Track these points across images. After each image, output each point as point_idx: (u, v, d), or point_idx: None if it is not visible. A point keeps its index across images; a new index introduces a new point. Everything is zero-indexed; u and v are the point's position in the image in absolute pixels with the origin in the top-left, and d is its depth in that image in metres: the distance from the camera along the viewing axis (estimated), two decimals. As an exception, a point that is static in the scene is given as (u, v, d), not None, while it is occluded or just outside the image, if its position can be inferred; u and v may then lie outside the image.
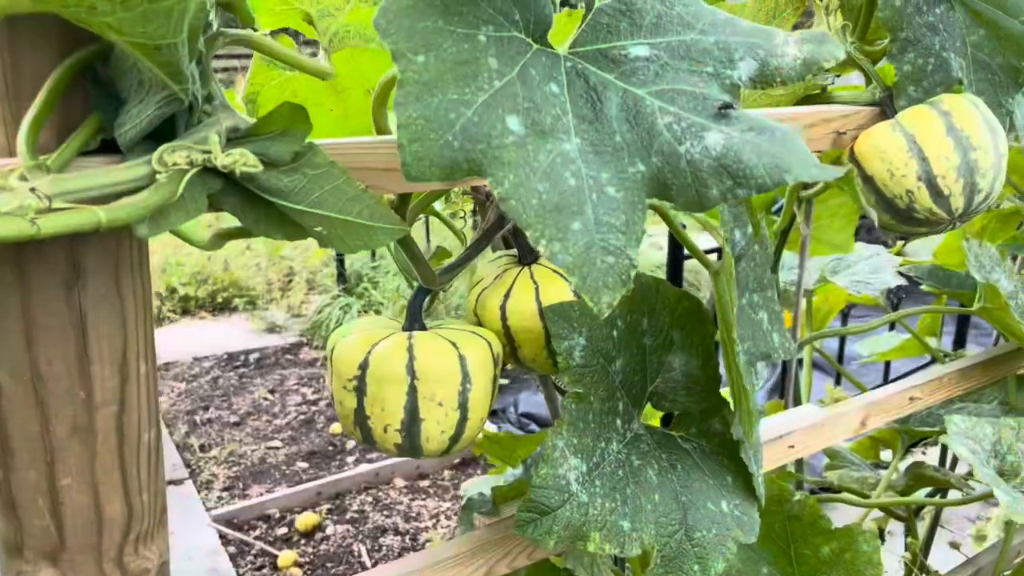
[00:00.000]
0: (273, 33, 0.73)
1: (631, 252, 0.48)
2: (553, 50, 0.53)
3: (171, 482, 3.18)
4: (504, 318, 0.77)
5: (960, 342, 2.94)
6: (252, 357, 4.49)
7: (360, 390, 0.70)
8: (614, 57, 0.53)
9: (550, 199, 0.47)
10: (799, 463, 1.34)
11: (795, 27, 0.92)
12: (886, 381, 3.36)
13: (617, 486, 0.71)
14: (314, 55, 0.71)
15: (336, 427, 3.66)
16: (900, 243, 1.87)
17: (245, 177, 0.52)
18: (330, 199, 0.54)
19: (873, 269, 1.50)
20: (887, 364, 3.42)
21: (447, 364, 0.69)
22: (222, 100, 0.55)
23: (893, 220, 0.88)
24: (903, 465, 1.43)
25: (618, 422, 0.75)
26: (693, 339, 0.81)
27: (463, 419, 0.71)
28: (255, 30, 0.73)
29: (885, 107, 0.93)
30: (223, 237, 0.62)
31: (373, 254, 4.86)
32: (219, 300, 5.22)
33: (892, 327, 2.47)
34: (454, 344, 0.70)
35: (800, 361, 1.46)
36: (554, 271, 0.78)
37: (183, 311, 5.15)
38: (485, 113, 0.47)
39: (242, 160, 0.48)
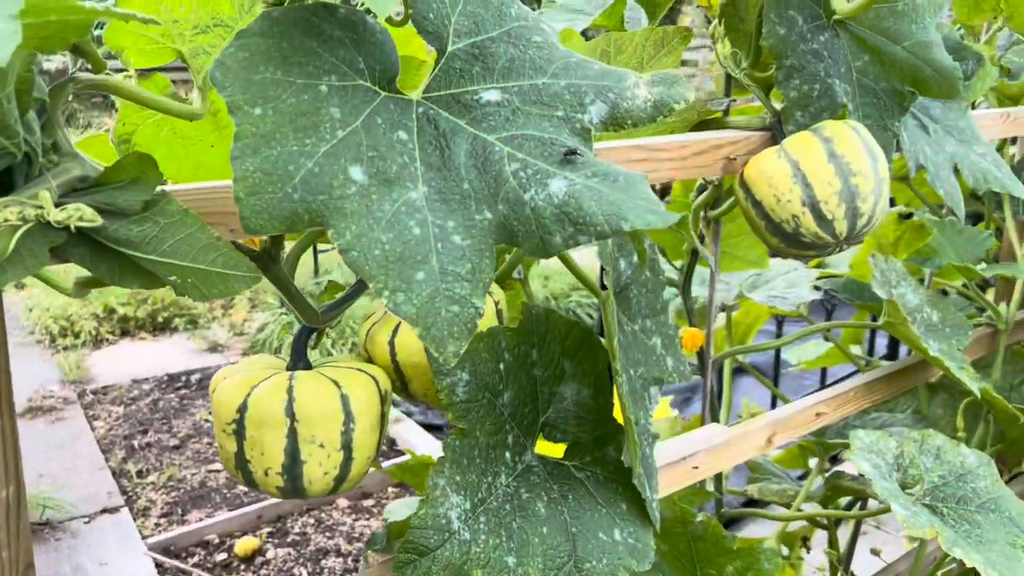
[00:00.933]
0: (149, 71, 0.72)
1: (476, 300, 0.48)
2: (404, 96, 0.52)
3: (105, 511, 3.11)
4: (393, 353, 0.77)
5: (894, 346, 3.01)
6: (193, 378, 4.41)
7: (239, 434, 0.69)
8: (466, 102, 0.53)
9: (393, 249, 0.47)
10: (718, 480, 1.35)
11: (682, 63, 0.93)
12: (823, 386, 3.42)
13: (503, 521, 0.71)
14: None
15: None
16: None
17: (92, 228, 0.51)
18: (184, 248, 0.53)
19: (790, 284, 1.52)
20: (824, 369, 3.49)
21: (328, 404, 0.68)
22: (70, 149, 0.54)
23: (783, 244, 0.90)
24: (818, 478, 1.45)
25: (507, 455, 0.75)
26: (584, 368, 0.81)
27: (348, 459, 0.70)
28: (125, 71, 0.71)
29: (776, 132, 0.94)
30: (85, 285, 0.61)
31: (316, 270, 4.81)
32: (159, 320, 5.11)
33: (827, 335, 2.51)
34: (336, 383, 0.70)
35: (721, 376, 1.48)
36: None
37: (122, 332, 5.03)
38: (327, 163, 0.47)
39: (77, 215, 0.47)
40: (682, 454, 0.98)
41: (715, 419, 1.31)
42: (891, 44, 0.95)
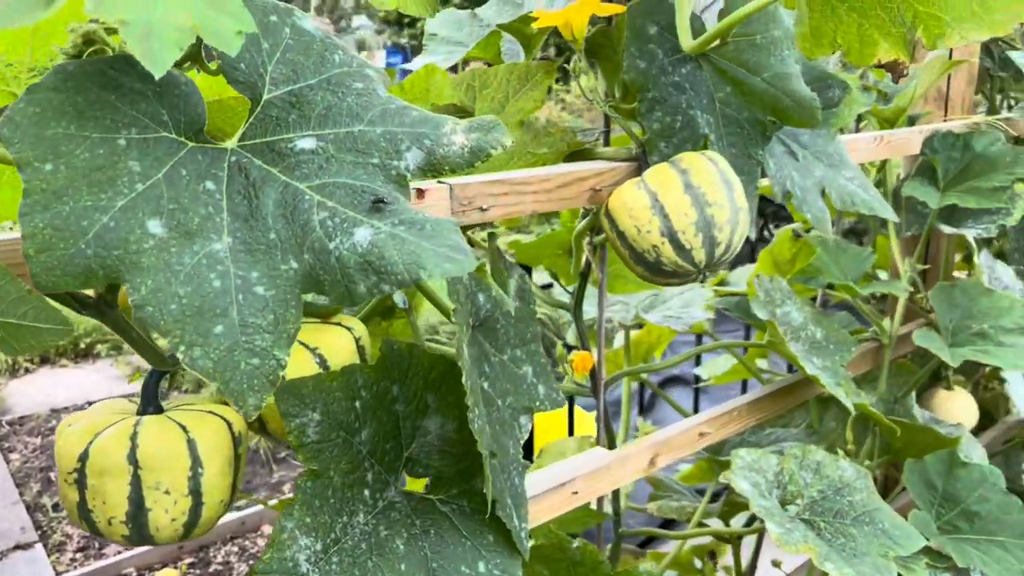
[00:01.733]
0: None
1: (279, 352, 0.48)
2: (216, 146, 0.52)
3: (19, 547, 3.00)
4: (250, 393, 0.76)
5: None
6: (116, 405, 4.28)
7: (81, 483, 0.67)
8: (280, 150, 0.53)
9: (191, 303, 0.47)
10: (616, 499, 1.37)
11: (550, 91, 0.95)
12: (746, 396, 3.48)
13: (358, 560, 0.71)
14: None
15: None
16: (723, 272, 1.95)
17: None
18: (-7, 301, 0.52)
19: (685, 304, 1.56)
20: (745, 381, 3.56)
21: (173, 449, 0.67)
22: None
23: (647, 272, 0.92)
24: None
25: (367, 493, 0.75)
26: (449, 401, 0.82)
27: (197, 504, 0.69)
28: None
29: (642, 162, 0.97)
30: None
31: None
32: (82, 346, 4.97)
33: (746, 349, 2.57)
34: (184, 427, 0.69)
35: (572, 406, 1.50)
36: (302, 344, 0.78)
37: (42, 359, 4.87)
38: (123, 218, 0.47)
39: None
40: (561, 480, 0.99)
41: (611, 439, 1.33)
42: (751, 76, 0.98)
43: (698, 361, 3.22)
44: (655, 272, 0.91)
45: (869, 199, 1.15)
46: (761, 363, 2.01)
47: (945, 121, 1.61)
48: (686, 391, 3.62)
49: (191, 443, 0.68)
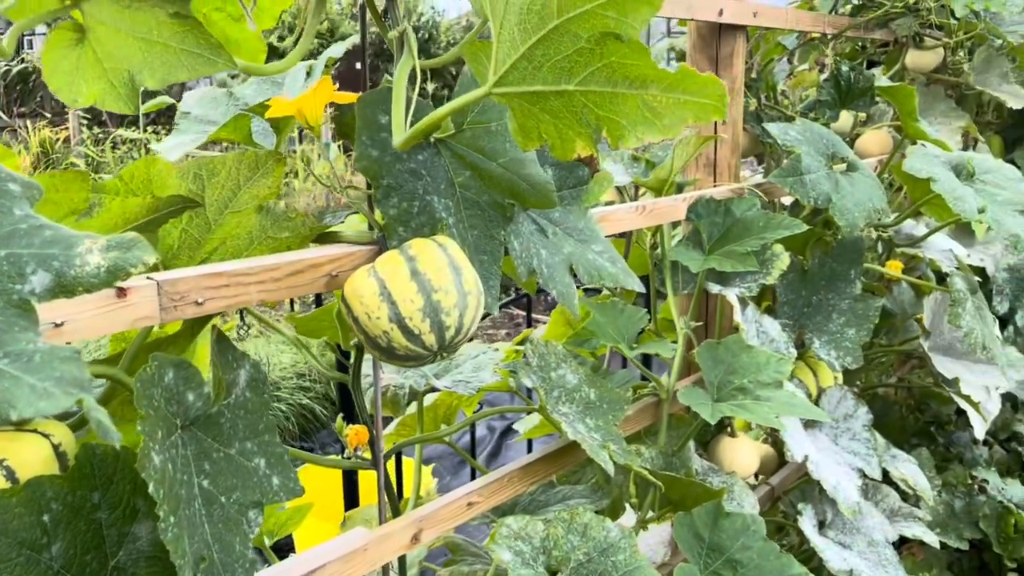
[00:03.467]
0: None
1: None
2: None
3: None
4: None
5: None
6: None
7: None
8: None
9: None
10: (402, 567, 1.36)
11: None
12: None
13: None
14: None
15: None
16: (528, 330, 2.00)
17: None
18: None
19: (477, 367, 1.58)
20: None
21: None
22: None
23: (383, 356, 0.93)
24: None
25: (60, 610, 0.71)
26: (163, 503, 0.79)
27: None
28: None
29: (383, 246, 0.98)
30: None
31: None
32: None
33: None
34: None
35: (400, 462, 1.50)
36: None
37: None
38: None
39: None
40: (311, 567, 0.98)
41: (395, 510, 1.32)
42: (488, 161, 1.03)
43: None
44: (390, 356, 0.93)
45: (616, 272, 1.21)
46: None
47: (714, 187, 1.73)
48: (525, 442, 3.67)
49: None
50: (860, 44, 2.76)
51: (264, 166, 0.91)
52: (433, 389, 1.55)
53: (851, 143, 2.51)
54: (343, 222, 1.04)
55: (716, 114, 0.76)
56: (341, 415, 1.36)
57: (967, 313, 1.75)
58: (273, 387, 4.06)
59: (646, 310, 1.57)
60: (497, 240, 1.05)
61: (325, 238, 1.02)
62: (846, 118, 2.52)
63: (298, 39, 0.90)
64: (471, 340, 1.23)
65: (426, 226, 0.98)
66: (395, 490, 2.43)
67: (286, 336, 1.33)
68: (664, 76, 0.74)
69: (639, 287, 1.25)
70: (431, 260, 0.91)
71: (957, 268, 1.94)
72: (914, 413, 2.88)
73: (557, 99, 0.78)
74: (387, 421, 1.70)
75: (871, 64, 2.89)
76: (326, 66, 1.04)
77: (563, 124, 0.81)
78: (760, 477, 2.22)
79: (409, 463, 2.96)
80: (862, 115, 2.45)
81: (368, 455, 1.27)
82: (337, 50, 1.06)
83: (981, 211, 1.64)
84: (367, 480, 2.44)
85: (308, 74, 1.11)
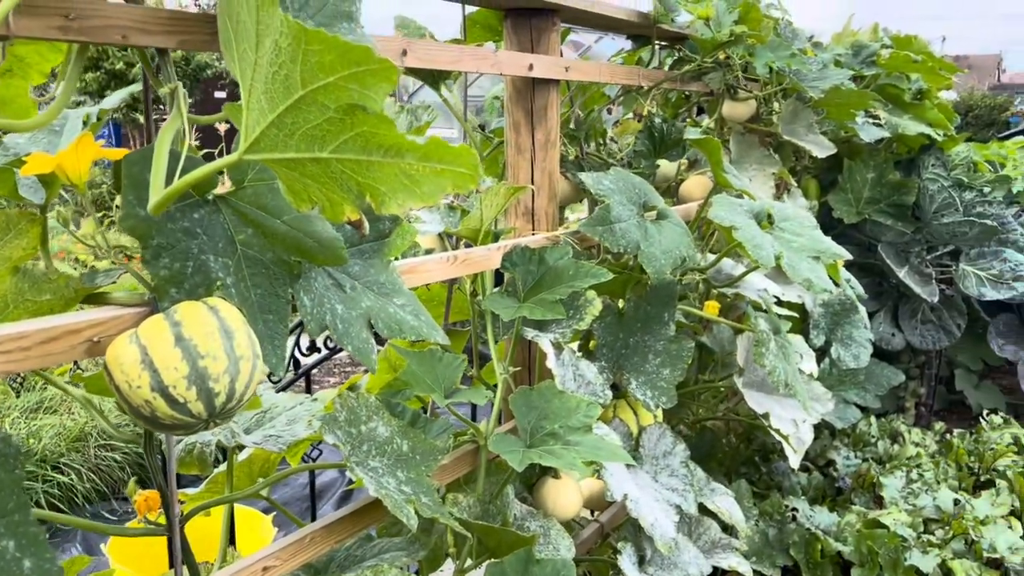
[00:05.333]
0: None
1: None
2: None
3: None
4: None
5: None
6: None
7: None
8: None
9: None
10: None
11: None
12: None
13: None
14: None
15: None
16: (355, 377, 1.97)
17: None
18: None
19: (291, 420, 1.54)
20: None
21: None
22: None
23: (148, 425, 0.89)
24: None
25: None
26: None
27: None
28: None
29: (154, 308, 0.94)
30: None
31: None
32: None
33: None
34: None
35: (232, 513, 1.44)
36: None
37: None
38: None
39: None
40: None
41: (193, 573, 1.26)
42: (271, 218, 1.01)
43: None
44: (154, 425, 0.89)
45: (418, 325, 1.21)
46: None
47: (533, 235, 1.77)
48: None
49: None
50: (685, 93, 2.91)
51: (16, 226, 0.86)
52: (242, 446, 1.50)
53: (676, 187, 2.64)
54: (115, 282, 1.00)
55: (471, 182, 0.78)
56: (135, 478, 1.29)
57: (770, 352, 1.86)
58: (80, 444, 3.80)
59: (465, 357, 1.58)
60: (283, 298, 1.03)
61: (94, 300, 0.97)
62: (673, 164, 2.66)
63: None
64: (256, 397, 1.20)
65: (201, 286, 0.95)
66: (230, 542, 2.33)
67: (73, 395, 1.25)
68: (417, 147, 0.75)
69: (443, 339, 1.26)
70: (198, 324, 0.88)
71: (760, 310, 2.06)
72: (743, 443, 3.03)
73: (314, 166, 0.78)
74: (198, 479, 1.63)
75: (700, 111, 3.06)
76: (98, 119, 1.00)
77: (326, 189, 0.81)
78: (596, 513, 2.27)
79: (244, 514, 2.85)
80: (683, 162, 2.58)
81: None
82: (112, 101, 1.02)
83: (778, 258, 1.75)
84: (197, 536, 2.32)
85: (84, 123, 1.06)
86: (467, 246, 1.72)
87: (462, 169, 0.77)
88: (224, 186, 0.97)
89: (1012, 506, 2.32)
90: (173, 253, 0.93)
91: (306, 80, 0.70)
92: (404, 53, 1.28)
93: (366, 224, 0.94)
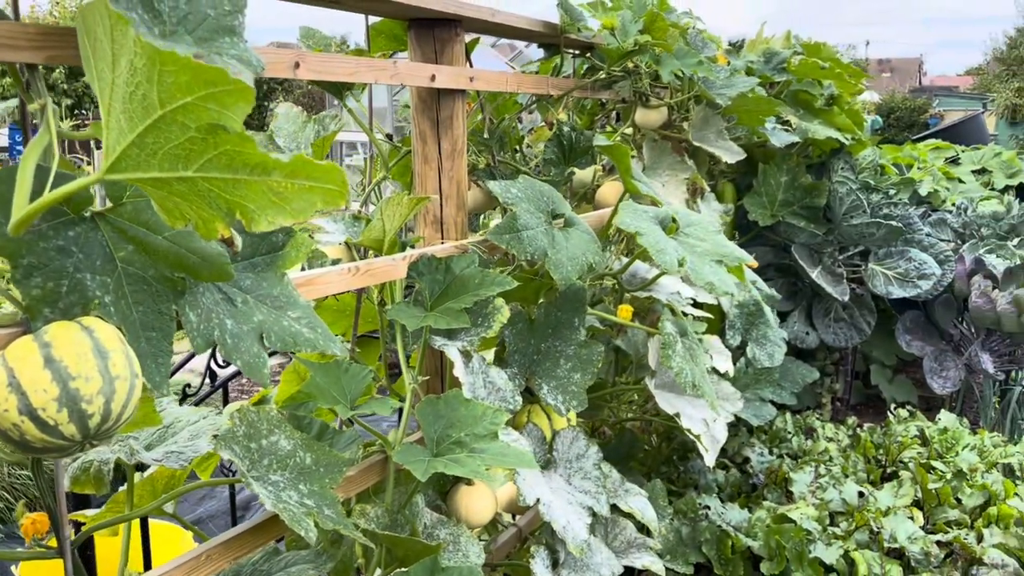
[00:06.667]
0: None
1: None
2: None
3: None
4: None
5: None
6: None
7: None
8: None
9: None
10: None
11: None
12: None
13: None
14: None
15: None
16: (265, 389, 1.95)
17: None
18: None
19: (193, 435, 1.52)
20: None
21: None
22: None
23: (19, 450, 0.87)
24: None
25: None
26: None
27: None
28: None
29: (28, 329, 0.92)
30: None
31: None
32: None
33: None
34: None
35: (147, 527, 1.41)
36: None
37: None
38: None
39: None
40: None
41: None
42: (152, 235, 0.99)
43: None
44: (27, 449, 0.87)
45: (314, 337, 1.21)
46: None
47: (442, 244, 1.78)
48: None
49: None
50: (601, 101, 2.96)
51: None
52: (141, 465, 1.48)
53: (594, 192, 2.68)
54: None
55: (340, 199, 0.78)
56: (23, 500, 1.25)
57: (677, 355, 1.90)
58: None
59: (371, 368, 1.58)
60: (167, 315, 1.02)
61: (-34, 321, 0.94)
62: (589, 169, 2.70)
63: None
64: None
65: (77, 305, 0.93)
66: (147, 560, 2.27)
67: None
68: (282, 164, 0.75)
69: (341, 351, 1.26)
70: (70, 345, 0.86)
71: (674, 312, 2.11)
72: (665, 442, 3.09)
73: (181, 184, 0.78)
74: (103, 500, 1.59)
75: (618, 117, 3.12)
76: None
77: (196, 207, 0.81)
78: (518, 517, 2.29)
79: (164, 530, 2.79)
80: (598, 168, 2.62)
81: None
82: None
83: (681, 262, 1.79)
84: (111, 555, 2.26)
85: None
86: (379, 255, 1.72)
87: (330, 186, 0.78)
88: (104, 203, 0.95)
89: (915, 497, 2.42)
90: (46, 272, 0.92)
91: (164, 100, 0.70)
92: (297, 65, 1.27)
93: (238, 241, 0.94)
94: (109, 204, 0.98)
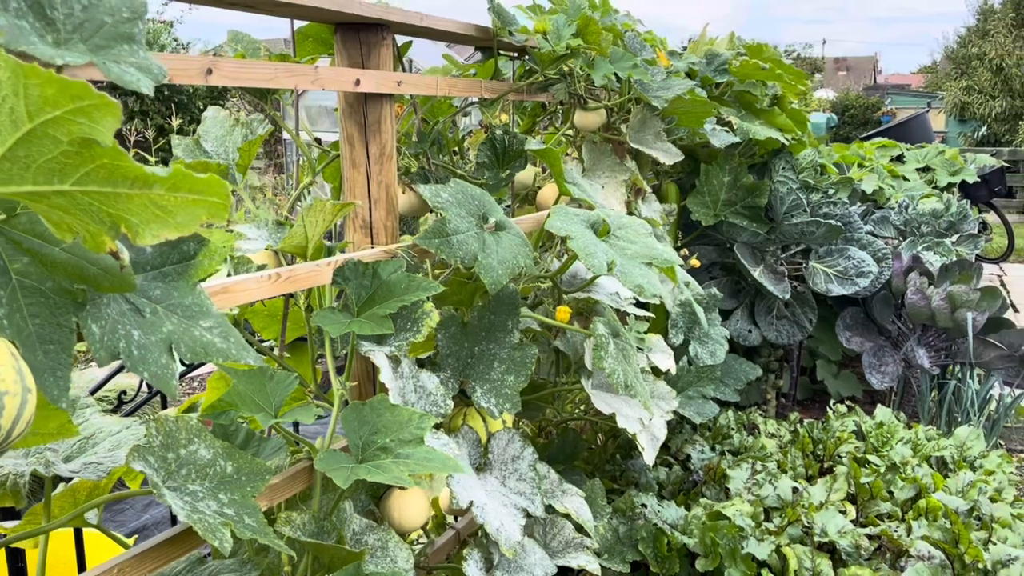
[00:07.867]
0: None
1: None
2: None
3: None
4: None
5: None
6: None
7: None
8: None
9: None
10: None
11: None
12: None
13: None
14: None
15: None
16: (195, 396, 1.93)
17: None
18: None
19: (115, 445, 1.50)
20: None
21: None
22: None
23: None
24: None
25: None
26: None
27: None
28: None
29: (-84, 343, 0.90)
30: None
31: None
32: None
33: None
34: None
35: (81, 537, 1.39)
36: None
37: None
38: None
39: None
40: None
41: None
42: (49, 246, 0.98)
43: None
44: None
45: (227, 347, 1.20)
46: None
47: (372, 248, 1.77)
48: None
49: None
50: (543, 103, 2.97)
51: None
52: (59, 477, 1.45)
53: (535, 195, 2.69)
54: None
55: (223, 211, 0.78)
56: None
57: (609, 355, 1.92)
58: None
59: (296, 374, 1.57)
60: (66, 328, 1.00)
61: None
62: (530, 170, 2.71)
63: None
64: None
65: (-38, 320, 0.91)
66: (81, 570, 2.24)
67: None
68: (163, 178, 0.74)
69: (256, 360, 1.24)
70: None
71: (617, 312, 2.12)
72: (610, 440, 3.12)
73: (60, 198, 0.77)
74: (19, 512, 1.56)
75: (563, 119, 3.13)
76: None
77: (80, 221, 0.80)
78: (459, 519, 2.29)
79: (100, 541, 2.74)
80: (538, 170, 2.64)
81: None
82: None
83: (610, 266, 1.81)
84: (50, 565, 2.22)
85: None
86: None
87: (214, 198, 0.77)
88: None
89: (849, 491, 2.47)
90: (-68, 286, 0.90)
91: (32, 114, 0.69)
92: (209, 72, 1.26)
93: (124, 255, 0.93)
94: (2, 216, 0.96)
